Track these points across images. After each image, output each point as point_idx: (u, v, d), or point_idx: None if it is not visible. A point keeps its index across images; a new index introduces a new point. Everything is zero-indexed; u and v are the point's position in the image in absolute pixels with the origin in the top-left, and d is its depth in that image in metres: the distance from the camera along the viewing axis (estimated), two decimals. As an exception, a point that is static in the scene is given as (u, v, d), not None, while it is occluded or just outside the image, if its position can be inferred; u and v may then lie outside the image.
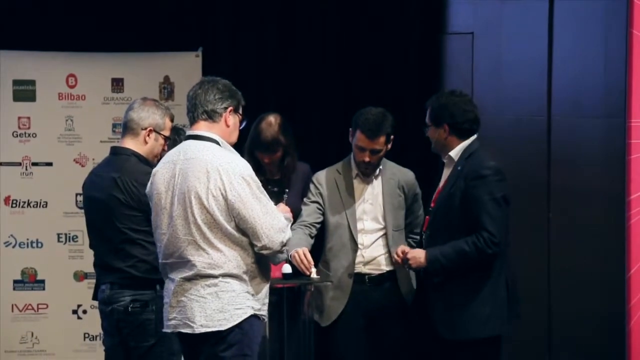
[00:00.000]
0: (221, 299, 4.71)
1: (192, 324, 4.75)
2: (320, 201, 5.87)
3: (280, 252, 4.79)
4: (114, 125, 7.11)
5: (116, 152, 5.33)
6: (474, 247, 5.17)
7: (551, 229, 6.94)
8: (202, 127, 4.81)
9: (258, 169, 5.77)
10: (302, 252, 5.57)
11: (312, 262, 5.59)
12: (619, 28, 6.23)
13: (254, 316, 4.76)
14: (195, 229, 4.72)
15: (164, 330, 4.90)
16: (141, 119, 5.29)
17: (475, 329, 5.24)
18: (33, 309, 7.12)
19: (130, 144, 5.29)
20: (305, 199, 5.91)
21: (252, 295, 4.76)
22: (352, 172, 5.87)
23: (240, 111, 4.90)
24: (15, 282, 7.10)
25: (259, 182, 4.79)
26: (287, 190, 5.91)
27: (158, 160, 5.09)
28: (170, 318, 4.82)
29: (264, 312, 4.83)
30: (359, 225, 5.79)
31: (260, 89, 6.67)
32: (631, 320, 5.88)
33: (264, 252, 4.73)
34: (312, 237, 5.81)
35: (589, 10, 6.85)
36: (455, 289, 5.28)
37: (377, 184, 5.88)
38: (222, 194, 4.68)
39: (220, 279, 4.72)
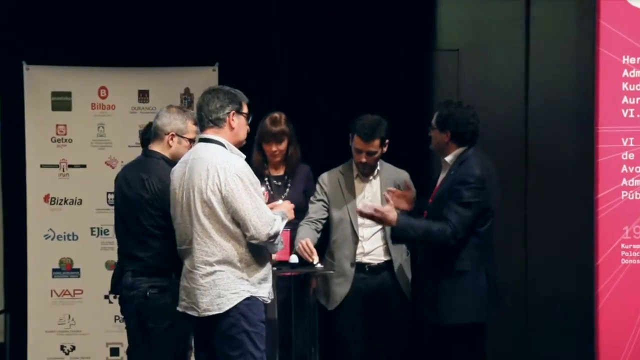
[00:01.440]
0: (218, 285, 4.82)
1: (197, 309, 4.89)
2: (325, 199, 5.91)
3: (269, 242, 4.84)
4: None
5: (147, 154, 5.41)
6: (439, 233, 5.20)
7: (528, 224, 7.01)
8: (210, 132, 4.95)
9: (265, 163, 5.90)
10: (304, 242, 5.63)
11: (314, 251, 5.63)
12: (588, 47, 6.27)
13: (252, 298, 4.86)
14: (196, 220, 4.84)
15: (177, 308, 5.01)
16: (164, 124, 5.36)
17: (457, 315, 5.29)
18: (70, 294, 7.15)
19: (157, 147, 5.37)
20: (312, 198, 5.96)
21: (247, 280, 4.84)
22: (353, 173, 5.90)
23: (245, 109, 5.00)
24: (54, 270, 7.13)
25: (253, 180, 4.88)
26: (289, 185, 5.99)
27: None
28: (182, 299, 4.99)
29: (262, 294, 4.91)
30: (360, 220, 5.78)
31: (269, 98, 6.65)
32: (599, 303, 5.90)
33: (253, 241, 4.82)
34: (318, 232, 5.85)
35: (563, 31, 6.89)
36: (440, 280, 5.32)
37: (375, 183, 5.91)
38: (218, 189, 4.79)
39: (215, 266, 4.82)
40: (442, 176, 5.48)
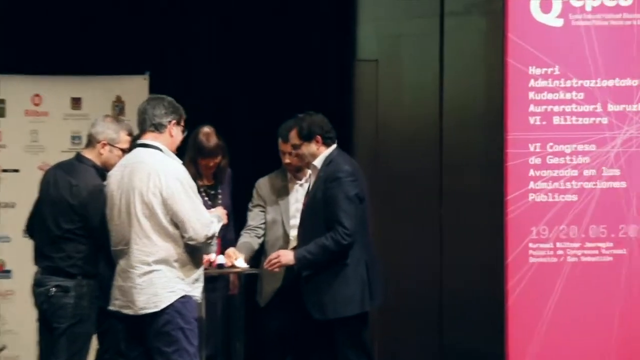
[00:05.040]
0: (155, 284, 4.82)
1: (133, 307, 4.86)
2: (262, 204, 5.87)
3: (206, 244, 4.88)
4: (73, 137, 7.07)
5: (80, 159, 5.37)
6: (331, 240, 5.21)
7: (443, 225, 7.08)
8: (150, 137, 4.94)
9: (198, 176, 5.84)
10: (230, 250, 5.63)
11: (238, 255, 5.61)
12: (497, 58, 6.16)
13: (187, 296, 4.86)
14: (136, 221, 4.83)
15: (109, 308, 4.98)
16: (97, 133, 5.34)
17: (341, 308, 5.28)
18: (1, 294, 7.08)
19: (89, 154, 5.34)
20: (249, 205, 5.92)
21: (182, 279, 4.85)
22: (287, 176, 5.86)
23: (182, 123, 5.02)
24: (-14, 271, 7.11)
25: (192, 184, 4.90)
26: (220, 192, 5.97)
27: None
28: (116, 298, 4.95)
29: (196, 293, 4.92)
30: (292, 222, 5.73)
31: (198, 108, 6.59)
32: (509, 299, 5.88)
33: (191, 242, 4.83)
34: (259, 237, 5.83)
35: (474, 44, 7.00)
36: (322, 276, 5.31)
37: (306, 186, 5.81)
38: (159, 192, 4.79)
39: (153, 265, 4.80)
40: (312, 180, 5.48)
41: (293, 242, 5.80)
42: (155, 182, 4.80)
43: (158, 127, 4.94)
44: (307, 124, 5.47)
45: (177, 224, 4.81)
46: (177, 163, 4.94)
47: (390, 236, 7.08)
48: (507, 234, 5.92)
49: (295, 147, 5.54)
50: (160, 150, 4.91)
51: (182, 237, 4.83)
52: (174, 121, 4.96)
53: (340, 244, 5.24)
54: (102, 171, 5.30)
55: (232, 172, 6.12)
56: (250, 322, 5.91)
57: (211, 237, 4.89)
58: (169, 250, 4.83)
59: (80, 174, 5.29)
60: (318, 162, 5.42)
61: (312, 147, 5.44)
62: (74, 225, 5.23)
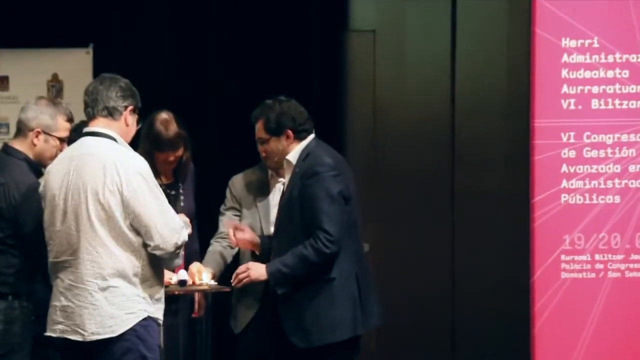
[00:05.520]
0: (111, 304, 4.76)
1: (82, 332, 4.78)
2: (237, 206, 5.86)
3: (174, 254, 4.85)
4: None
5: (8, 152, 5.31)
6: (311, 249, 5.18)
7: (455, 232, 7.10)
8: (101, 124, 4.88)
9: (155, 173, 5.87)
10: (194, 268, 5.60)
11: (201, 273, 5.60)
12: (522, 27, 6.40)
13: (149, 318, 4.82)
14: (88, 226, 4.76)
15: (48, 334, 4.88)
16: (28, 119, 5.27)
17: (329, 333, 5.24)
18: None
19: (20, 145, 5.28)
20: (221, 208, 5.90)
21: (144, 298, 4.81)
22: (268, 173, 5.80)
23: (137, 112, 4.98)
24: None
25: (156, 181, 4.88)
26: (181, 193, 5.97)
27: None
28: (57, 322, 4.85)
29: (158, 315, 4.89)
30: (272, 229, 5.63)
31: (154, 88, 6.59)
32: (535, 324, 5.92)
33: (157, 252, 4.80)
34: (232, 247, 5.80)
35: (492, 9, 7.03)
36: (303, 295, 5.27)
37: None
38: (118, 190, 4.74)
39: (109, 280, 4.75)
40: (286, 178, 5.46)
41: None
42: (114, 178, 4.75)
43: (112, 113, 4.89)
44: (275, 114, 5.44)
45: (137, 229, 4.78)
46: (137, 155, 4.89)
47: (390, 246, 7.10)
48: (534, 244, 5.94)
49: (261, 141, 5.50)
50: (114, 140, 4.87)
51: (146, 245, 4.79)
52: (130, 107, 4.92)
53: (323, 254, 5.20)
54: (36, 166, 5.25)
55: (196, 168, 6.08)
56: (218, 352, 5.92)
57: (180, 246, 4.85)
58: (127, 261, 4.78)
59: (8, 170, 5.22)
60: (292, 157, 5.40)
61: (282, 142, 5.43)
62: (3, 234, 5.17)
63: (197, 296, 5.92)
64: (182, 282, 5.58)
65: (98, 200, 4.75)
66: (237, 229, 5.60)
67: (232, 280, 5.43)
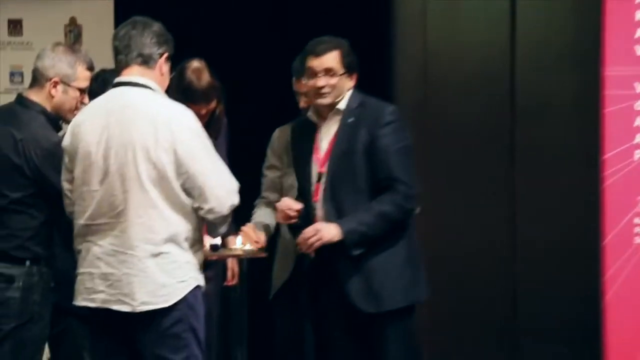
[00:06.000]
0: (164, 271, 4.78)
1: (131, 302, 4.78)
2: (277, 163, 5.93)
3: (226, 218, 4.85)
4: (12, 74, 7.21)
5: (23, 103, 5.31)
6: (393, 205, 5.23)
7: (517, 192, 7.11)
8: (136, 73, 4.88)
9: None
10: (249, 228, 5.59)
11: (260, 237, 5.59)
12: None
13: (198, 287, 4.86)
14: (137, 187, 4.76)
15: (82, 303, 4.88)
16: (45, 68, 5.26)
17: (402, 296, 5.29)
18: None
19: (36, 96, 5.28)
20: (263, 168, 5.99)
21: (194, 265, 4.85)
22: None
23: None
24: None
25: (209, 138, 4.89)
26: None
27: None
28: (97, 291, 4.84)
29: (203, 282, 4.92)
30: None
31: (181, 37, 6.67)
32: (607, 294, 5.93)
33: (210, 216, 4.81)
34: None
35: None
36: (371, 256, 5.29)
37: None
38: (172, 148, 4.75)
39: (161, 246, 4.77)
40: (333, 129, 5.42)
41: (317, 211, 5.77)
42: (166, 135, 4.73)
43: (147, 60, 4.87)
44: (350, 51, 5.40)
45: (190, 191, 4.78)
46: (186, 109, 4.87)
47: (443, 210, 7.11)
48: (605, 206, 5.96)
49: (332, 74, 5.38)
50: (153, 90, 4.86)
51: (199, 209, 4.80)
52: (166, 54, 4.91)
53: (404, 209, 5.25)
54: (55, 119, 5.27)
55: (229, 123, 6.10)
56: (255, 322, 6.01)
57: (233, 209, 4.84)
58: (180, 225, 4.80)
59: (25, 124, 5.21)
60: (342, 105, 5.39)
61: (348, 83, 5.41)
62: (22, 193, 5.18)
63: (229, 262, 5.97)
64: (214, 247, 5.57)
65: (149, 159, 4.74)
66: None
67: (299, 247, 5.37)
